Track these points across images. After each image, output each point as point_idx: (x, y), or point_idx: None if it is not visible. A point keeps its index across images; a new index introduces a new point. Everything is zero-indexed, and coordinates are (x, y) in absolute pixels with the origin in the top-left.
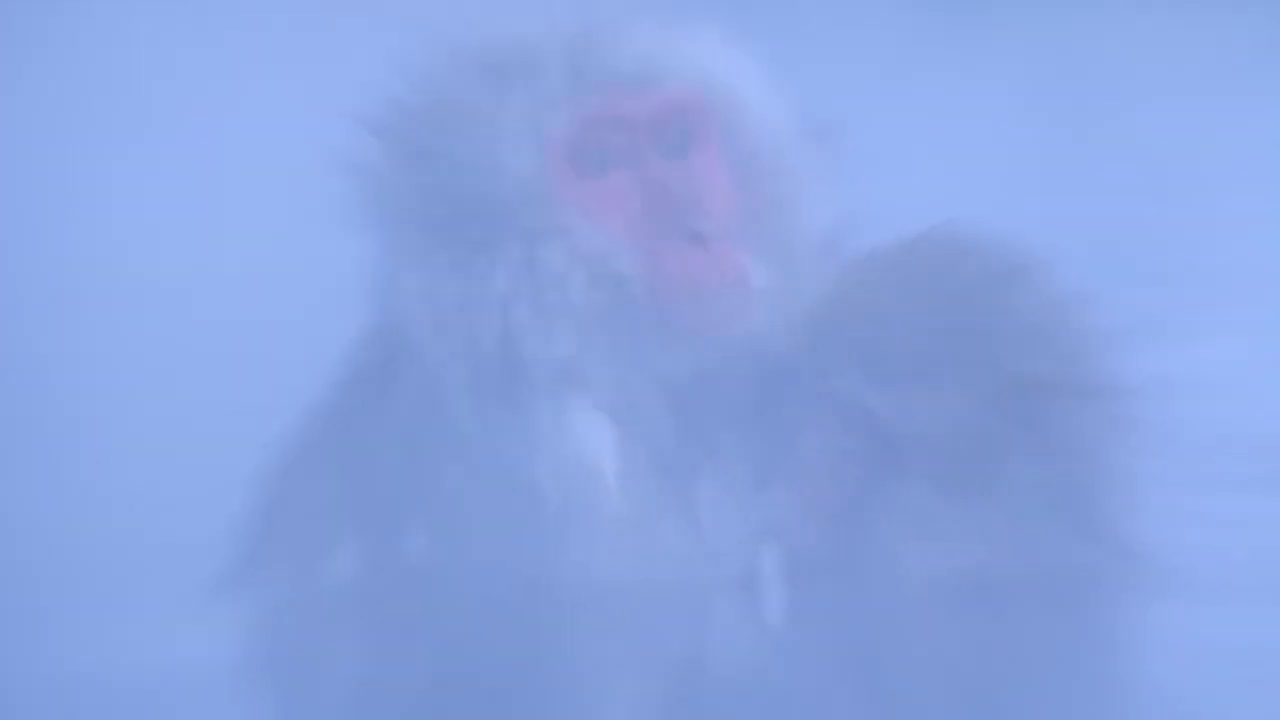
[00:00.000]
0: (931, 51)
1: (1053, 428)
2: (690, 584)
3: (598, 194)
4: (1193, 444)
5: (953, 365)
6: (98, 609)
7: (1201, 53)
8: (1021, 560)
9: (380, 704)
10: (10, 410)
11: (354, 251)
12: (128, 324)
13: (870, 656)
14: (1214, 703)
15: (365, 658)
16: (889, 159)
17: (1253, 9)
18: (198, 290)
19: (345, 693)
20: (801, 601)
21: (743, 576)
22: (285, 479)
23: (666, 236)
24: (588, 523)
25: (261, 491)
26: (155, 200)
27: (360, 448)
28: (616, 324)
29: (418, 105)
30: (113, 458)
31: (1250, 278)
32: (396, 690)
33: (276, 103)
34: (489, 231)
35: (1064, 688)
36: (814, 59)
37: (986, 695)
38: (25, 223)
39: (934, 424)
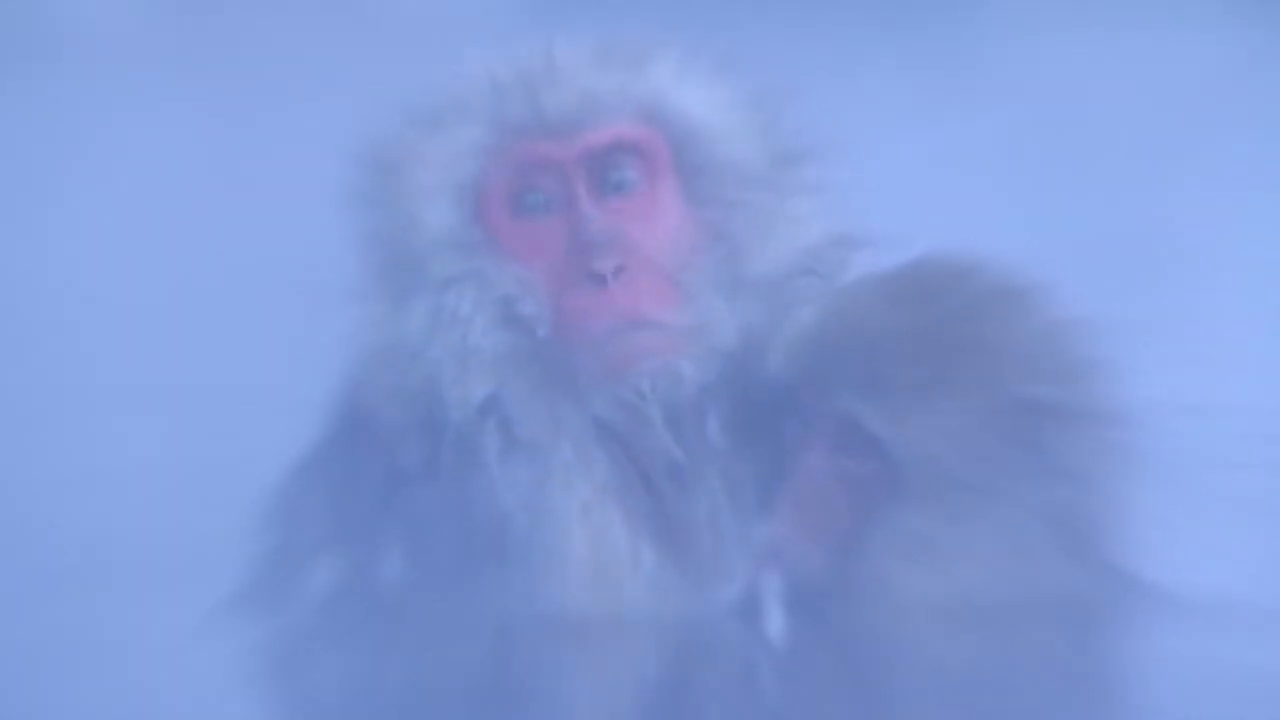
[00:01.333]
0: (925, 76)
1: (1051, 451)
2: (688, 610)
3: (527, 237)
4: (1193, 467)
5: (951, 388)
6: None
7: (1194, 71)
8: (1020, 585)
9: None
10: (9, 427)
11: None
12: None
13: (869, 680)
14: None
15: (343, 676)
16: (888, 181)
17: (1249, 23)
18: (185, 318)
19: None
20: (800, 627)
21: (742, 602)
22: (277, 504)
23: (570, 278)
24: (554, 553)
25: (261, 516)
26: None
27: (343, 473)
28: (528, 366)
29: (361, 153)
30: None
31: (1253, 300)
32: (372, 709)
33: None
34: (408, 277)
35: (1062, 712)
36: (804, 84)
37: (984, 717)
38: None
39: (932, 446)
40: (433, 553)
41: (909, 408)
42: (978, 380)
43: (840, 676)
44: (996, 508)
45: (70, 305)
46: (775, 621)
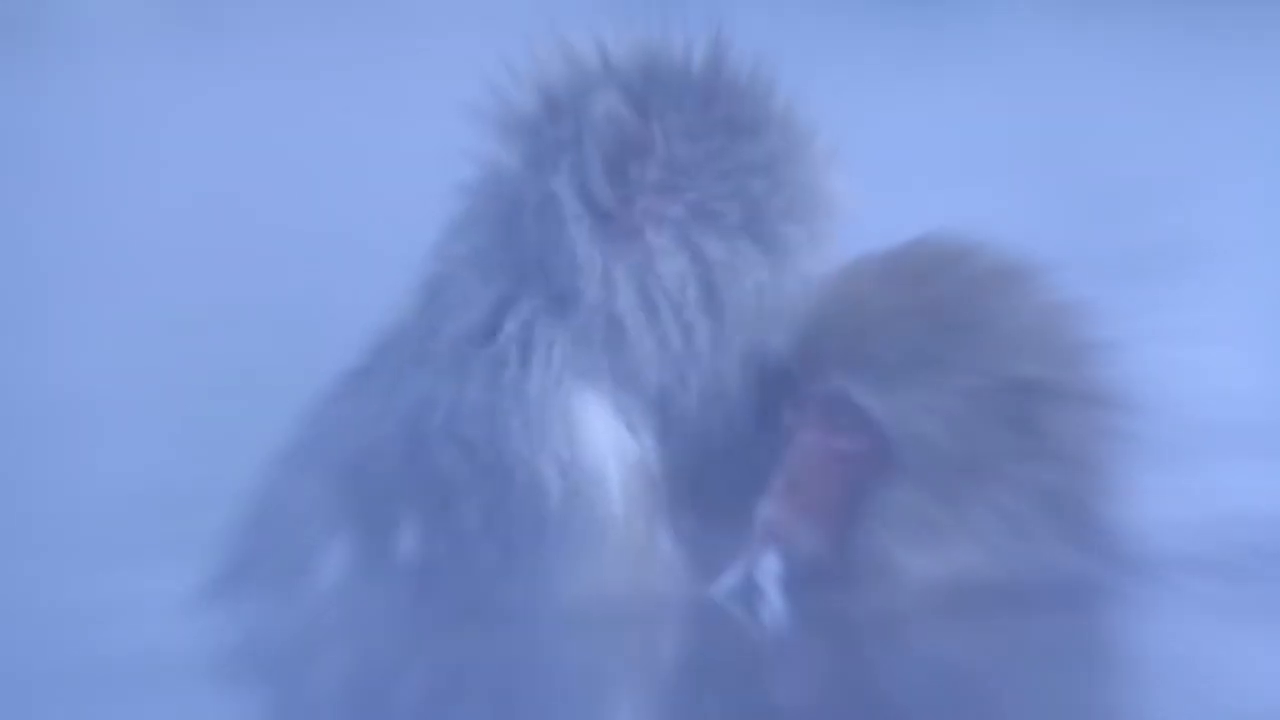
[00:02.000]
0: (922, 57)
1: (1046, 433)
2: (688, 591)
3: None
4: (1189, 446)
5: (946, 367)
6: (73, 600)
7: (1185, 55)
8: (1017, 565)
9: (370, 711)
10: None
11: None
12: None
13: (866, 659)
14: (1206, 710)
15: (355, 662)
16: (883, 163)
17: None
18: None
19: (333, 698)
20: (798, 606)
21: (740, 583)
22: (278, 472)
23: None
24: (588, 526)
25: (254, 486)
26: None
27: (356, 437)
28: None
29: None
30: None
31: (1249, 280)
32: (386, 696)
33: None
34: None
35: (1058, 692)
36: (799, 65)
37: (982, 699)
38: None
39: (925, 425)
40: (456, 521)
41: (901, 386)
42: (973, 360)
43: (840, 656)
44: (990, 488)
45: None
46: (774, 602)
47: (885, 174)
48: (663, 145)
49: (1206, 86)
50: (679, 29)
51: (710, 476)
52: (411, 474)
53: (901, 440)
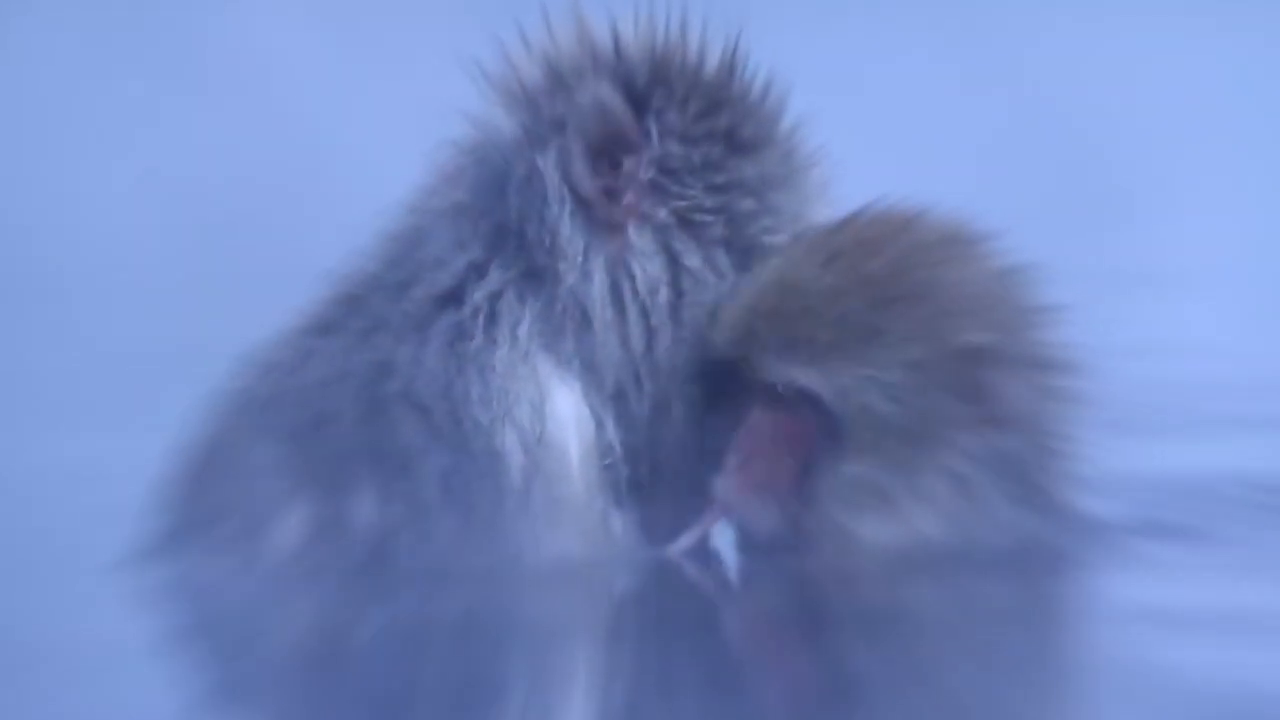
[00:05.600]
0: (869, 16)
1: (993, 399)
2: (642, 560)
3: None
4: (1145, 405)
5: (888, 340)
6: (12, 574)
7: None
8: (970, 530)
9: (327, 677)
10: None
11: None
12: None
13: (823, 616)
14: (1164, 670)
15: (311, 628)
16: (836, 128)
17: None
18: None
19: (288, 665)
20: (754, 573)
21: (696, 551)
22: (230, 428)
23: None
24: (547, 500)
25: (199, 448)
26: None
27: (315, 400)
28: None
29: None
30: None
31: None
32: (343, 662)
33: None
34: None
35: (1016, 655)
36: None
37: (937, 656)
38: None
39: (875, 400)
40: (414, 488)
41: (844, 363)
42: (917, 331)
43: (795, 613)
44: (941, 455)
45: None
46: (728, 562)
47: (837, 131)
48: (657, 144)
49: (1171, 31)
50: (699, 31)
51: (664, 458)
52: (369, 438)
53: (849, 415)
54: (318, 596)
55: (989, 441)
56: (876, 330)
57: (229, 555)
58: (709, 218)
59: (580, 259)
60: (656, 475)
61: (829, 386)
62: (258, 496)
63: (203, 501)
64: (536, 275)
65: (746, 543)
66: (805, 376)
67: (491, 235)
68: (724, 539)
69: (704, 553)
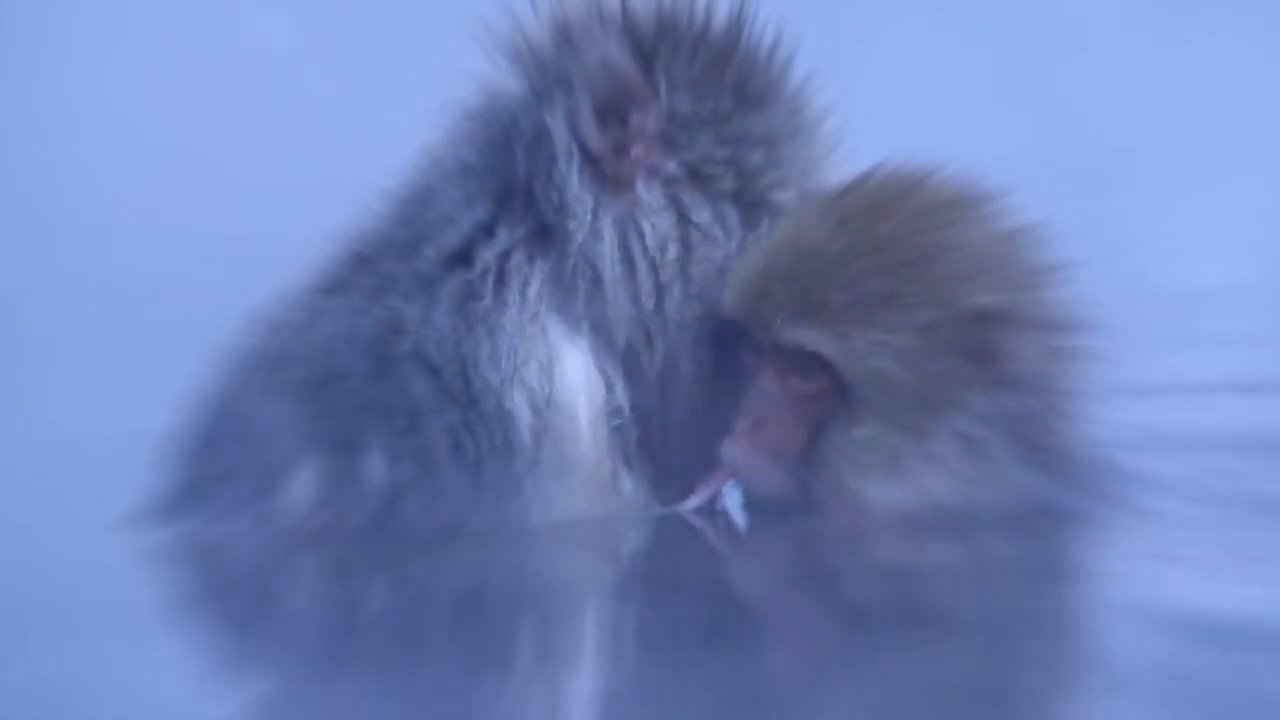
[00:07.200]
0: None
1: (1005, 359)
2: (651, 520)
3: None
4: (1153, 363)
5: (900, 305)
6: (23, 533)
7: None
8: (982, 491)
9: (337, 640)
10: None
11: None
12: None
13: (831, 575)
14: (1174, 627)
15: (320, 585)
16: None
17: None
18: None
19: (299, 628)
20: (763, 529)
21: (704, 511)
22: (240, 387)
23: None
24: (556, 460)
25: (210, 406)
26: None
27: (326, 359)
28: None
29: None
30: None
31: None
32: (351, 624)
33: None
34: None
35: (1026, 615)
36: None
37: (946, 613)
38: None
39: (885, 363)
40: (423, 448)
41: (854, 327)
42: (926, 294)
43: (804, 570)
44: (951, 417)
45: None
46: (736, 520)
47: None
48: (665, 97)
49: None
50: None
51: (673, 419)
52: (379, 397)
53: (858, 379)
54: (327, 554)
55: (999, 403)
56: (888, 294)
57: (239, 513)
58: (718, 169)
59: (589, 216)
60: (666, 435)
61: (841, 350)
62: (268, 455)
63: (213, 460)
64: (545, 234)
65: (755, 503)
66: (817, 340)
67: (500, 194)
68: (733, 499)
69: (713, 513)
